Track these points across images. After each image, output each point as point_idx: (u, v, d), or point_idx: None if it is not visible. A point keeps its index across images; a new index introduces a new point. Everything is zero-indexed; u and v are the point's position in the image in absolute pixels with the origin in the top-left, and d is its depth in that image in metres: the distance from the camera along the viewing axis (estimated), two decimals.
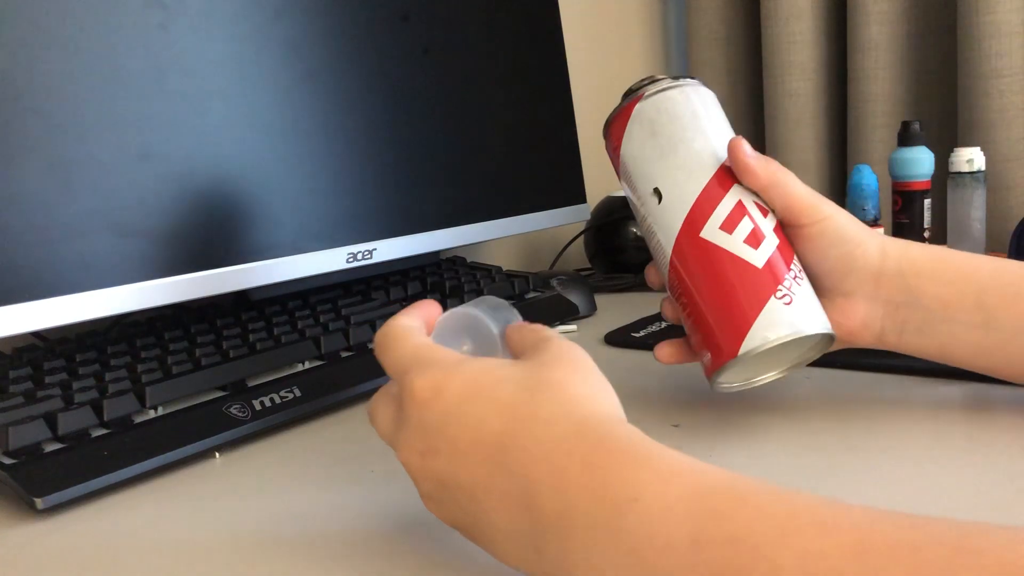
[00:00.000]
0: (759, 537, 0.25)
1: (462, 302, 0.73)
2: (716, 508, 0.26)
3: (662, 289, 0.48)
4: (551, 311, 0.77)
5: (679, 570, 0.26)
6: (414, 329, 0.37)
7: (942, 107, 1.08)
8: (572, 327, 0.76)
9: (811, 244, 0.46)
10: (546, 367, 0.33)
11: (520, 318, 0.39)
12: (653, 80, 0.47)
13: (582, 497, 0.29)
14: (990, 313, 0.44)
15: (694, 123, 0.46)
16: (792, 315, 0.43)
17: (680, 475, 0.28)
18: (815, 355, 0.47)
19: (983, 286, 0.44)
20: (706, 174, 0.45)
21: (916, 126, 0.87)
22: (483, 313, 0.38)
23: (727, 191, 0.45)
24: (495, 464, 0.31)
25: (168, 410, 0.52)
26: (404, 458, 0.34)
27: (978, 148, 0.87)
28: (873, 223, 0.88)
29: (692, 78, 0.48)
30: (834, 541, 0.24)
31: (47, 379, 0.53)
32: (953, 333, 0.45)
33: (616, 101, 0.48)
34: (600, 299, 0.84)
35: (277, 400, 0.54)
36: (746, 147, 0.45)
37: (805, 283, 0.45)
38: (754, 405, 0.52)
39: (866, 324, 0.46)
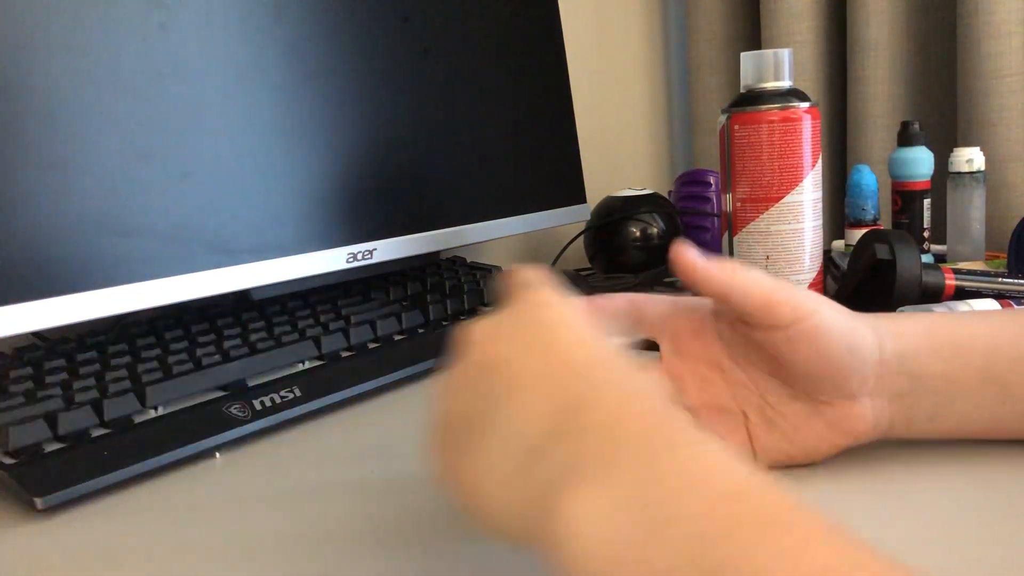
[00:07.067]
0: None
1: (462, 302, 0.73)
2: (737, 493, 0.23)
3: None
4: None
5: (712, 504, 0.23)
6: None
7: (942, 107, 1.08)
8: None
9: (796, 347, 0.38)
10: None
11: None
12: None
13: (634, 426, 0.26)
14: (1001, 384, 0.40)
15: None
16: None
17: (725, 462, 0.25)
18: None
19: (987, 355, 0.40)
20: None
21: (916, 126, 0.87)
22: None
23: None
24: (556, 361, 0.29)
25: (168, 410, 0.52)
26: (469, 334, 0.32)
27: (978, 148, 0.87)
28: (873, 223, 0.88)
29: None
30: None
31: (47, 379, 0.53)
32: (966, 412, 0.41)
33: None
34: None
35: (277, 400, 0.54)
36: (691, 254, 0.40)
37: None
38: None
39: (875, 424, 0.41)
